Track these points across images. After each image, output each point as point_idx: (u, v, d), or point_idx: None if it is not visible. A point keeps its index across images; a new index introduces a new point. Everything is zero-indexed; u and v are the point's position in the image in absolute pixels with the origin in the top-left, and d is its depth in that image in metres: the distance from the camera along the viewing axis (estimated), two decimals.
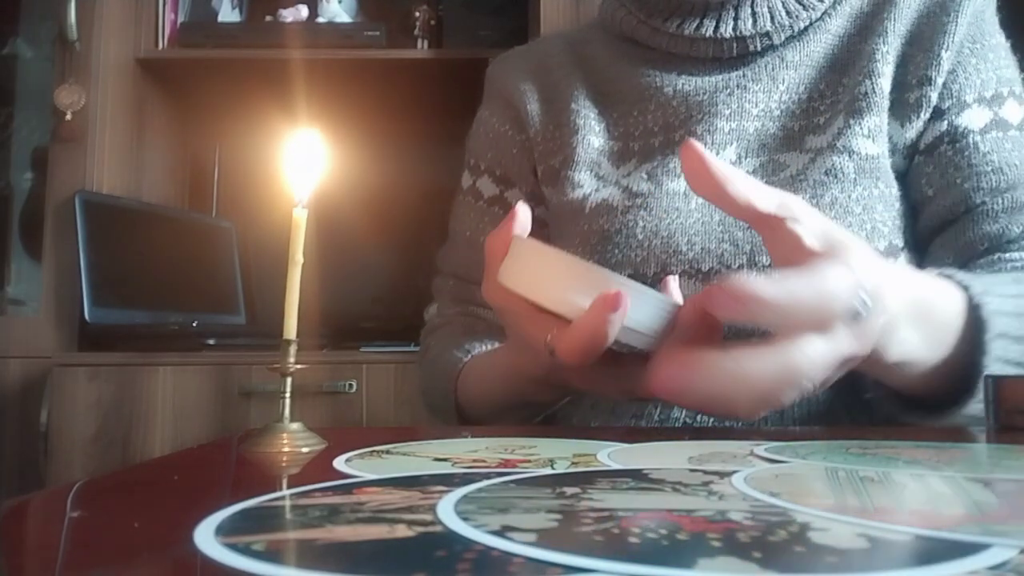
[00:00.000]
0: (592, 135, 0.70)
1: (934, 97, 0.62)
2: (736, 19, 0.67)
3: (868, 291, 0.38)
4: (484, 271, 0.49)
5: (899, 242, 0.61)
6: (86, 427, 1.19)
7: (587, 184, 0.67)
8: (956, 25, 0.63)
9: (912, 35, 0.64)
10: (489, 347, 0.66)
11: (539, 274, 0.43)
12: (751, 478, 0.26)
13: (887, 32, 0.64)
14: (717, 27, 0.67)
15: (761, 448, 0.34)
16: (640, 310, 0.40)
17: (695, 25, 0.68)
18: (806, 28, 0.68)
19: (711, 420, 0.60)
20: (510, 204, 0.74)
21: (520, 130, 0.74)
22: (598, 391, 0.49)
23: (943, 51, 0.62)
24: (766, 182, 0.62)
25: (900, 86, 0.63)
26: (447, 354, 0.66)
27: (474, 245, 0.74)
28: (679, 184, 0.63)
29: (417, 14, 1.48)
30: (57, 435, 1.19)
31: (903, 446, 0.35)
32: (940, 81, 0.62)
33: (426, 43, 1.47)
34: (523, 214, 0.48)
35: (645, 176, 0.65)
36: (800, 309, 0.36)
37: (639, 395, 0.47)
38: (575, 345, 0.41)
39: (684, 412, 0.61)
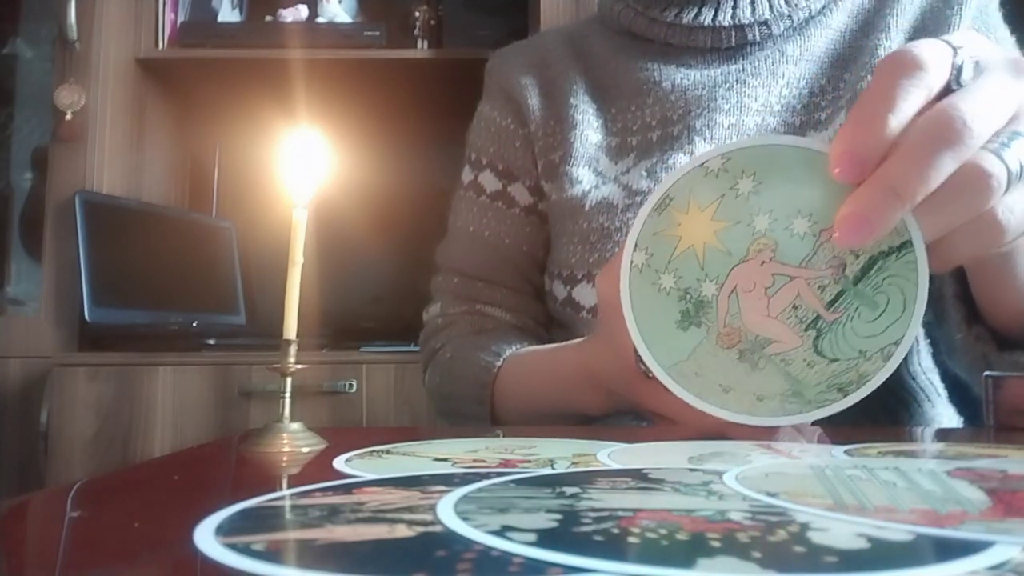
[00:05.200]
0: (590, 130, 0.69)
1: None
2: (735, 7, 0.67)
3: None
4: (612, 260, 0.46)
5: None
6: (86, 427, 1.19)
7: (586, 180, 0.67)
8: (960, 18, 0.63)
9: (916, 30, 0.64)
10: (517, 347, 0.64)
11: None
12: (743, 477, 0.26)
13: (890, 28, 0.64)
14: (715, 16, 0.67)
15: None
16: None
17: (693, 14, 0.67)
18: (806, 22, 0.67)
19: None
20: (513, 199, 0.73)
21: (522, 124, 0.73)
22: (662, 414, 0.46)
23: None
24: None
25: None
26: (472, 357, 0.65)
27: (477, 240, 0.73)
28: None
29: (417, 14, 1.48)
30: (57, 435, 1.19)
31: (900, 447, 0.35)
32: None
33: (426, 43, 1.47)
34: None
35: (644, 173, 0.65)
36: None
37: (706, 430, 0.43)
38: (691, 417, 0.39)
39: None
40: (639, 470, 0.28)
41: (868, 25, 0.66)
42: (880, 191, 0.32)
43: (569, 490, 0.24)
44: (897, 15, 0.65)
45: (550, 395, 0.57)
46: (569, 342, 0.58)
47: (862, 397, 0.35)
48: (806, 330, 0.36)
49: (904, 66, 0.33)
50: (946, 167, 0.32)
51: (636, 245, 0.37)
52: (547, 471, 0.28)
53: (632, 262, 0.37)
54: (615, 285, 0.41)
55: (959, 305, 0.50)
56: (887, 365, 0.35)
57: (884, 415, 0.63)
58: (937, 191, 0.32)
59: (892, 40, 0.64)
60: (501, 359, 0.63)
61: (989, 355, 0.49)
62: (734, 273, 0.36)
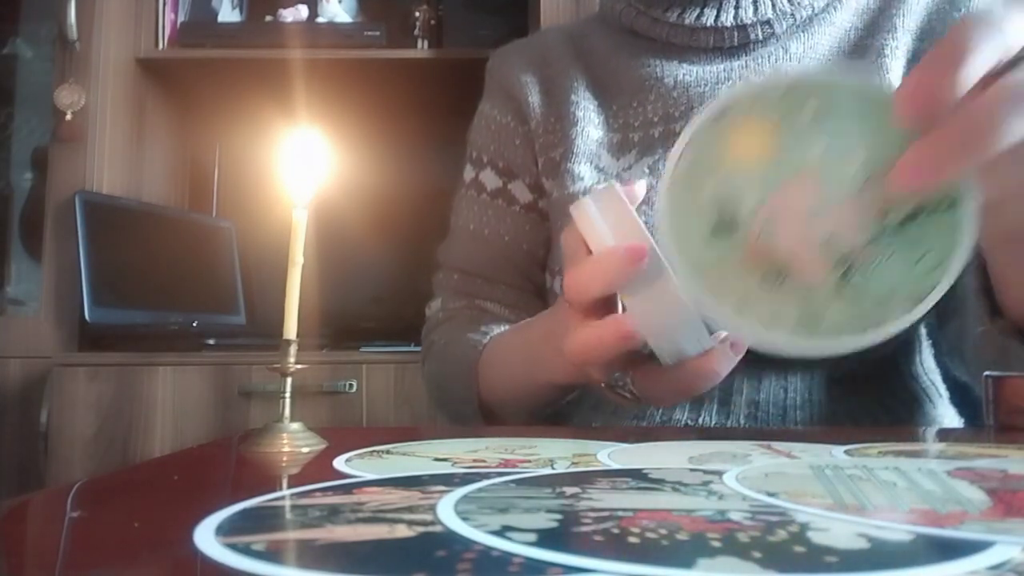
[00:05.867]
0: (591, 127, 0.69)
1: None
2: (737, 7, 0.67)
3: None
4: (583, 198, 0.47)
5: None
6: (86, 427, 1.19)
7: (588, 177, 0.67)
8: None
9: (922, 31, 0.64)
10: (505, 327, 0.64)
11: (608, 222, 0.40)
12: (743, 477, 0.26)
13: (896, 28, 0.64)
14: (718, 16, 0.67)
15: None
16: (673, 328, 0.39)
17: (695, 14, 0.67)
18: (810, 20, 0.67)
19: (713, 421, 0.60)
20: (513, 196, 0.74)
21: (522, 122, 0.74)
22: (596, 372, 0.46)
23: None
24: None
25: None
26: (462, 340, 0.65)
27: (478, 238, 0.74)
28: None
29: (417, 14, 1.48)
30: (57, 435, 1.19)
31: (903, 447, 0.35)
32: None
33: (426, 43, 1.47)
34: (640, 190, 0.45)
35: (647, 170, 0.65)
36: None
37: (639, 397, 0.45)
38: (580, 279, 0.40)
39: (686, 413, 0.61)
40: (639, 470, 0.28)
41: (874, 25, 0.66)
42: (949, 143, 0.31)
43: (569, 490, 0.24)
44: (904, 15, 0.65)
45: (523, 365, 0.57)
46: (540, 313, 0.58)
47: (878, 341, 0.34)
48: (835, 265, 0.35)
49: (983, 24, 0.32)
50: (1018, 132, 0.31)
51: (685, 150, 0.36)
52: (547, 471, 0.28)
53: (678, 166, 0.36)
54: (583, 213, 0.41)
55: (983, 299, 0.50)
56: (915, 309, 0.34)
57: (884, 415, 0.63)
58: (1002, 154, 0.31)
59: (899, 40, 0.64)
60: (488, 337, 0.63)
61: (1010, 348, 0.49)
62: (776, 195, 0.35)
